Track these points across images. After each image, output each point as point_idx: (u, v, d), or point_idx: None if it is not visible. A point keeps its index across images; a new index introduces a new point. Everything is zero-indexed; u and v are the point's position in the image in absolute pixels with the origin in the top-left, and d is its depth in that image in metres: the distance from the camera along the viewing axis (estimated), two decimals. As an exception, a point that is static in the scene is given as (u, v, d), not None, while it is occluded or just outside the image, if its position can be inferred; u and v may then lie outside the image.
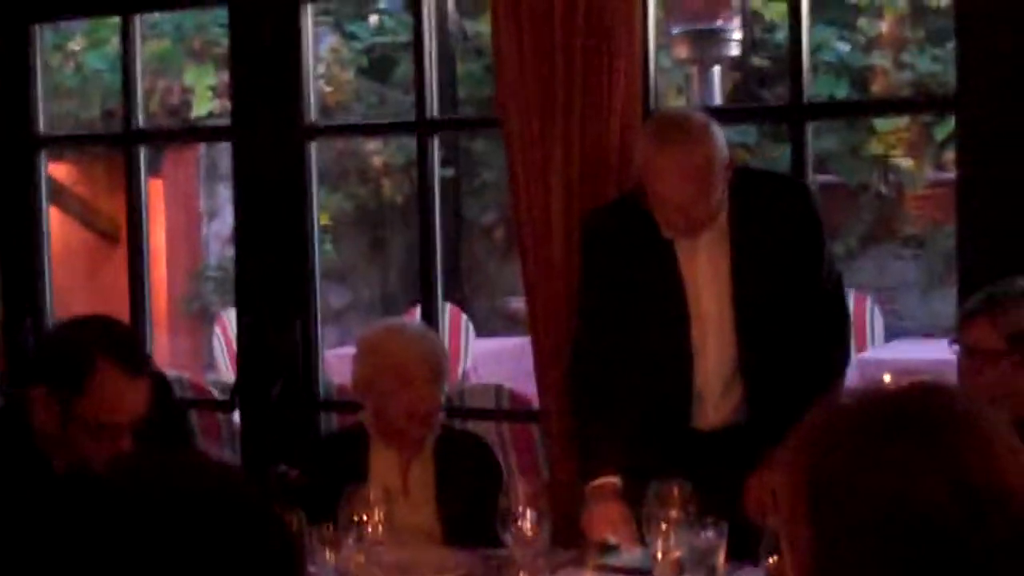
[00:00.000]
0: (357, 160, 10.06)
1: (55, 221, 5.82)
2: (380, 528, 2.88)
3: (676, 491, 2.81)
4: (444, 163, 5.88)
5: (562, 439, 3.83)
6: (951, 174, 7.85)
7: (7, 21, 4.90)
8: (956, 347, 3.11)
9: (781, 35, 8.85)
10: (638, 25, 3.82)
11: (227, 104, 5.02)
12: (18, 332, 4.83)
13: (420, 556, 3.05)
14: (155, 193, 8.55)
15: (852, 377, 3.49)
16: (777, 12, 9.01)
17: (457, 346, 8.07)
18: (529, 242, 3.93)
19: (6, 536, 1.21)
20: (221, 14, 6.59)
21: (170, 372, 6.43)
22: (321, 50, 9.19)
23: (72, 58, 9.57)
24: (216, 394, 6.17)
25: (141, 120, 4.87)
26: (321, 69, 9.18)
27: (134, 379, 2.68)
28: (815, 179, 4.08)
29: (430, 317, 4.33)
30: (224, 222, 9.58)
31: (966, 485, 1.28)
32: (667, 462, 3.07)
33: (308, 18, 4.45)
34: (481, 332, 8.79)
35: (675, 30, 8.00)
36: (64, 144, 6.96)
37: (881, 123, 9.33)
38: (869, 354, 7.73)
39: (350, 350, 3.59)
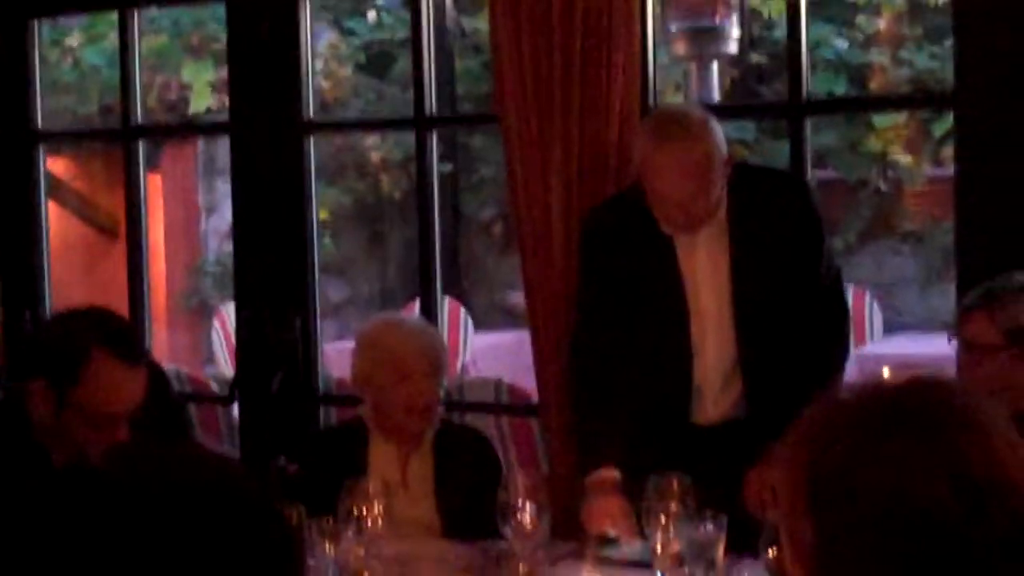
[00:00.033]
0: (355, 155, 10.05)
1: (53, 216, 5.82)
2: (379, 521, 2.88)
3: (675, 485, 2.81)
4: (442, 159, 5.88)
5: (561, 433, 3.84)
6: (949, 170, 7.85)
7: (5, 16, 4.90)
8: (955, 341, 3.12)
9: (779, 32, 8.85)
10: (636, 22, 3.83)
11: (225, 100, 5.03)
12: (17, 327, 4.83)
13: (419, 549, 3.06)
14: (153, 188, 8.55)
15: (851, 372, 3.49)
16: (775, 9, 9.00)
17: (456, 340, 8.08)
18: (528, 237, 3.93)
19: (4, 530, 1.21)
20: (219, 9, 6.59)
21: (169, 366, 6.44)
22: (319, 46, 9.19)
23: (70, 53, 9.55)
24: (215, 388, 6.17)
25: (139, 115, 4.87)
26: (319, 65, 9.17)
27: (130, 368, 2.68)
28: (814, 175, 4.08)
29: (429, 311, 4.34)
30: (222, 217, 9.58)
31: (966, 479, 1.29)
32: (666, 457, 3.08)
33: (306, 14, 4.46)
34: (480, 326, 8.79)
35: (673, 27, 7.99)
36: (62, 139, 6.96)
37: (879, 119, 9.33)
38: (868, 349, 7.74)
39: (349, 344, 3.60)
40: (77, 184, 9.40)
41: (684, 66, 8.62)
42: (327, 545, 2.79)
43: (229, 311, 7.71)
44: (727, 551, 2.75)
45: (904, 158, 9.52)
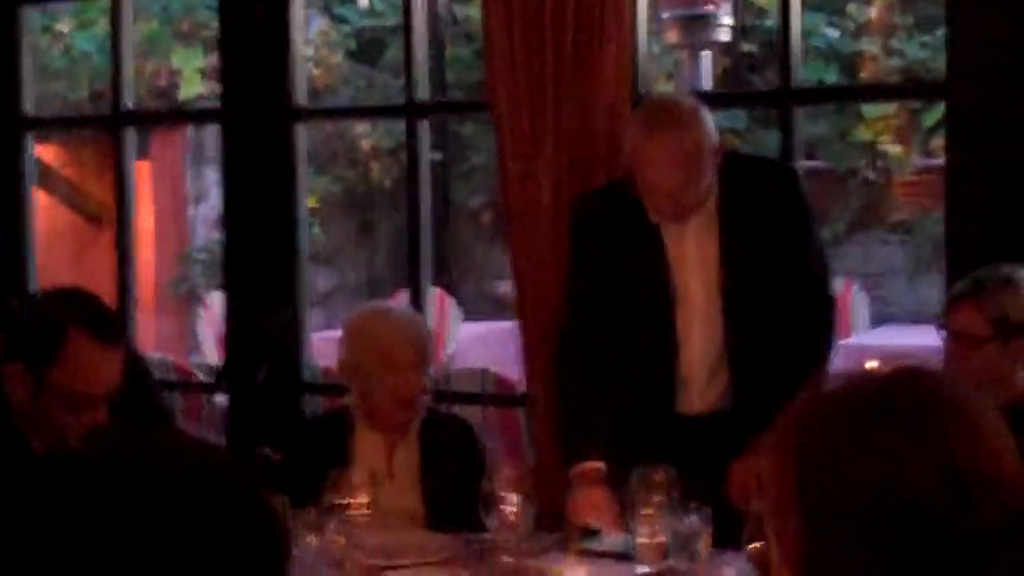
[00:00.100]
0: (345, 143, 10.04)
1: (42, 203, 5.81)
2: (364, 511, 2.88)
3: (660, 476, 2.81)
4: (433, 147, 5.87)
5: (547, 424, 3.83)
6: (939, 160, 7.87)
7: (-6, 1, 4.88)
8: (943, 332, 3.12)
9: (771, 20, 8.85)
10: (628, 10, 3.82)
11: (215, 86, 5.02)
12: (4, 314, 4.81)
13: (404, 539, 3.05)
14: (142, 175, 8.52)
15: (838, 363, 3.49)
16: (766, -3, 9.01)
17: (444, 330, 8.07)
18: (517, 227, 3.92)
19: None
20: (210, -4, 6.58)
21: (156, 354, 6.44)
22: (310, 33, 9.16)
23: (60, 39, 9.53)
24: (201, 377, 6.16)
25: (130, 102, 4.86)
26: (310, 52, 9.15)
27: (106, 348, 2.68)
28: (803, 164, 4.08)
29: (417, 300, 4.33)
30: (211, 205, 9.56)
31: (953, 470, 1.28)
32: (652, 448, 3.07)
33: (298, 0, 4.44)
34: (468, 316, 8.78)
35: (665, 15, 7.99)
36: (51, 126, 6.94)
37: (869, 109, 9.34)
38: (855, 340, 7.74)
39: (336, 333, 3.59)
40: (66, 171, 9.38)
41: (675, 54, 8.62)
42: (311, 535, 2.79)
43: (215, 300, 7.70)
44: (711, 543, 2.75)
45: (894, 148, 9.53)
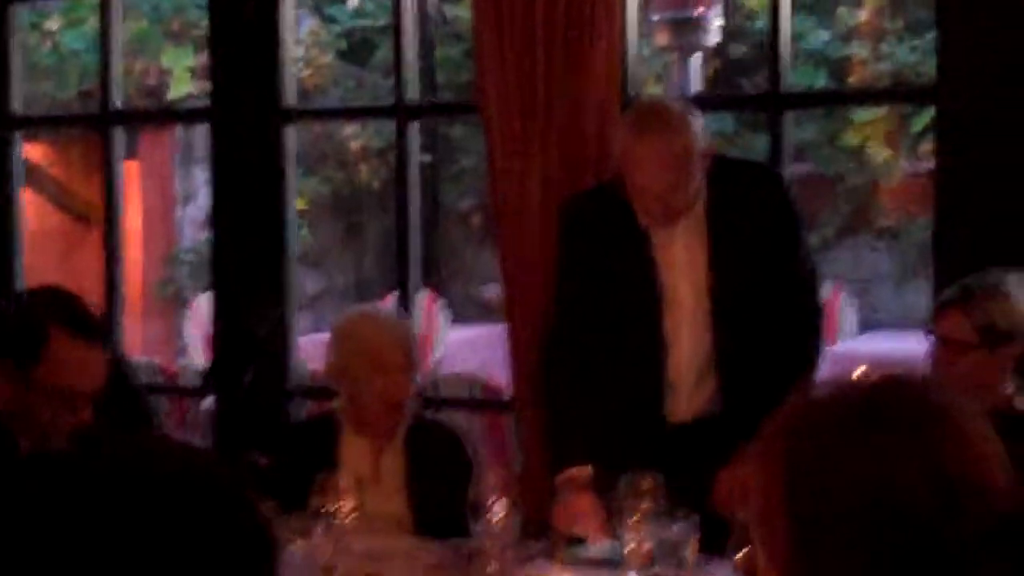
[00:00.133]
0: (334, 144, 10.03)
1: (29, 203, 5.79)
2: (351, 517, 2.87)
3: (647, 483, 2.80)
4: (422, 148, 5.86)
5: (535, 429, 3.83)
6: (927, 165, 7.88)
7: (-18, 0, 4.86)
8: (930, 338, 3.13)
9: (760, 24, 8.86)
10: (618, 12, 3.82)
11: (204, 86, 5.01)
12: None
13: (390, 545, 3.05)
14: (130, 175, 8.50)
15: (825, 369, 3.49)
16: (756, 1, 9.01)
17: (432, 333, 8.06)
18: (506, 229, 3.92)
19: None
20: (199, -5, 6.56)
21: (142, 357, 6.42)
22: (300, 33, 9.15)
23: (49, 37, 9.51)
24: (188, 380, 6.15)
25: (119, 101, 4.84)
26: (300, 52, 9.14)
27: (89, 345, 2.69)
28: (791, 169, 4.08)
29: (406, 303, 4.32)
30: (199, 206, 9.54)
31: (942, 475, 1.29)
32: (639, 453, 3.07)
33: (287, 0, 4.43)
34: (456, 319, 8.78)
35: (655, 18, 8.00)
36: (39, 125, 6.91)
37: (858, 114, 9.36)
38: (842, 346, 7.75)
39: (324, 336, 3.58)
40: (53, 170, 9.37)
41: (665, 57, 8.62)
42: (298, 540, 2.78)
43: (202, 302, 7.68)
44: (698, 551, 2.74)
45: (882, 153, 9.55)
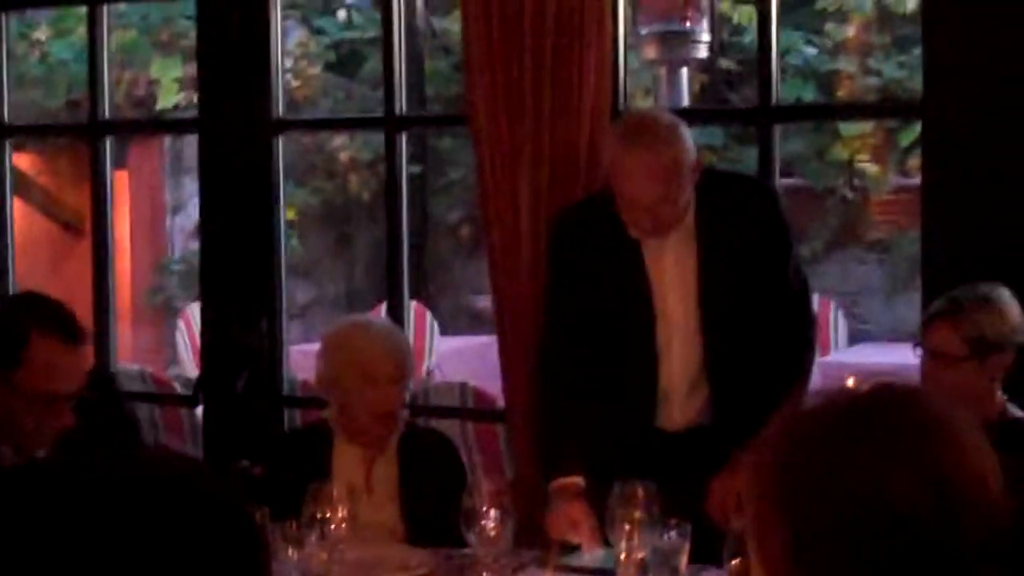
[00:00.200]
0: (323, 155, 10.02)
1: (18, 212, 5.77)
2: (343, 526, 2.87)
3: (640, 492, 2.81)
4: (411, 160, 5.87)
5: (527, 438, 3.83)
6: (915, 179, 7.91)
7: (-28, 9, 4.86)
8: (920, 350, 3.14)
9: (748, 38, 8.88)
10: (608, 25, 3.83)
11: (193, 97, 5.01)
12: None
13: (383, 554, 3.04)
14: (119, 185, 8.49)
15: (815, 381, 3.50)
16: (745, 15, 9.04)
17: (422, 344, 8.06)
18: (497, 240, 3.93)
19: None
20: (188, 5, 6.55)
21: (133, 366, 6.40)
22: (289, 44, 9.15)
23: (37, 47, 9.49)
24: (179, 389, 6.14)
25: (107, 111, 4.84)
26: (288, 63, 9.14)
27: (70, 347, 2.70)
28: (780, 182, 4.09)
29: (396, 314, 4.32)
30: (188, 216, 9.53)
31: (937, 485, 1.29)
32: (631, 463, 3.07)
33: (276, 12, 4.43)
34: (446, 330, 8.78)
35: (644, 31, 8.01)
36: (28, 134, 6.90)
37: (847, 128, 9.38)
38: (832, 358, 7.76)
39: (314, 346, 3.58)
40: (42, 180, 9.34)
41: (654, 70, 8.64)
42: (290, 549, 2.78)
43: (194, 311, 7.67)
44: (691, 560, 2.75)
45: (871, 167, 9.57)
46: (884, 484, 1.29)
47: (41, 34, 9.44)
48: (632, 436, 3.28)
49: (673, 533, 2.72)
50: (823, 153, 9.61)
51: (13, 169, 5.18)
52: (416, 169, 8.98)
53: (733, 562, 2.59)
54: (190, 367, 8.16)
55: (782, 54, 4.52)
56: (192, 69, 6.94)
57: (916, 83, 4.00)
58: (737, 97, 9.46)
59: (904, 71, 9.23)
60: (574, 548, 3.05)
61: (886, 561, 1.29)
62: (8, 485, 1.17)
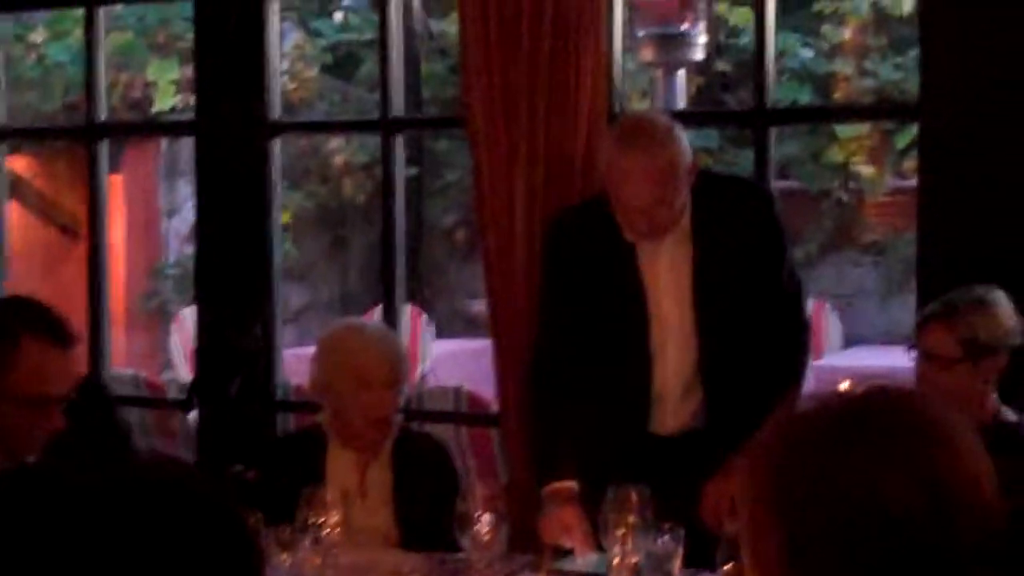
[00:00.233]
0: (318, 158, 10.02)
1: (14, 215, 5.77)
2: (337, 530, 2.86)
3: (634, 496, 2.80)
4: (407, 163, 5.86)
5: (521, 442, 3.83)
6: (911, 182, 7.90)
7: (-33, 12, 4.85)
8: (914, 352, 3.14)
9: (745, 40, 8.88)
10: (604, 27, 3.83)
11: (189, 99, 5.00)
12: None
13: (377, 559, 3.04)
14: (115, 188, 8.48)
15: (809, 384, 3.50)
16: (741, 17, 9.04)
17: (416, 348, 8.06)
18: (492, 244, 3.92)
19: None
20: (184, 7, 6.55)
21: (127, 370, 6.39)
22: (285, 46, 9.15)
23: (34, 49, 9.48)
24: (173, 393, 6.13)
25: (104, 113, 4.83)
26: (285, 65, 9.13)
27: (61, 350, 2.69)
28: (776, 185, 4.10)
29: (390, 318, 4.32)
30: (184, 219, 9.52)
31: (933, 487, 1.29)
32: (625, 466, 3.07)
33: (273, 14, 4.43)
34: (440, 334, 8.77)
35: (640, 33, 8.02)
36: (24, 137, 6.89)
37: (842, 130, 9.38)
38: (827, 361, 7.76)
39: (308, 350, 3.57)
40: (38, 183, 9.33)
41: (650, 72, 8.64)
42: (284, 553, 2.77)
43: (188, 315, 7.67)
44: (684, 564, 2.74)
45: (866, 169, 9.57)
46: (878, 487, 1.29)
47: (37, 36, 9.44)
48: (626, 440, 3.28)
49: (667, 537, 2.72)
50: (819, 155, 9.61)
51: (9, 172, 5.17)
52: (412, 172, 8.98)
53: (727, 566, 2.58)
54: (184, 371, 8.15)
55: (778, 56, 4.52)
56: (188, 71, 6.95)
57: (912, 85, 4.00)
58: (733, 99, 9.47)
59: (900, 73, 9.23)
60: (567, 552, 3.05)
61: (881, 564, 1.29)
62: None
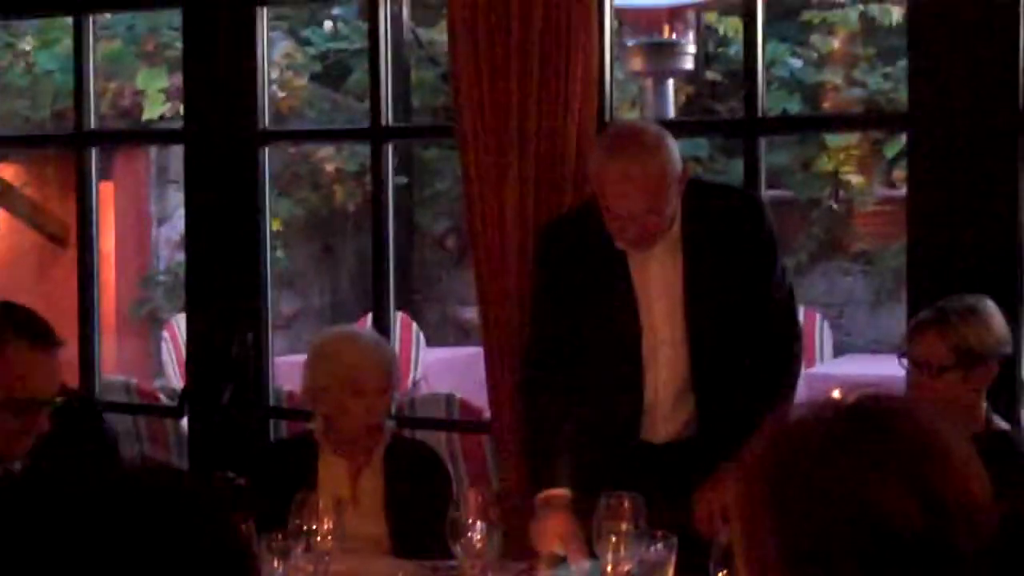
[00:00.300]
0: (309, 166, 10.01)
1: (3, 223, 5.76)
2: (329, 538, 2.86)
3: (626, 504, 2.80)
4: (397, 171, 5.87)
5: (512, 450, 3.83)
6: (900, 191, 7.93)
7: (-43, 20, 4.85)
8: (905, 360, 3.15)
9: (734, 49, 8.90)
10: (594, 37, 3.83)
11: (178, 107, 5.00)
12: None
13: (369, 566, 3.04)
14: (105, 196, 8.47)
15: (801, 393, 3.50)
16: (731, 27, 9.06)
17: (408, 355, 8.05)
18: (483, 252, 3.92)
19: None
20: (173, 16, 6.54)
21: (118, 377, 6.38)
22: (275, 55, 9.14)
23: (23, 57, 9.47)
24: (164, 400, 6.12)
25: (92, 121, 4.83)
26: (275, 74, 9.12)
27: (44, 352, 2.70)
28: (766, 194, 4.10)
29: (381, 326, 4.32)
30: (174, 227, 9.50)
31: (928, 495, 1.30)
32: (618, 474, 3.07)
33: (263, 22, 4.43)
34: (431, 342, 8.77)
35: (630, 43, 8.03)
36: (13, 145, 6.88)
37: (832, 139, 9.40)
38: (817, 370, 7.77)
39: (300, 357, 3.57)
40: (28, 190, 9.31)
41: (640, 82, 8.66)
42: (276, 561, 2.77)
43: (179, 323, 7.65)
44: (677, 572, 2.74)
45: (856, 178, 9.59)
46: (872, 495, 1.29)
47: (26, 44, 9.42)
48: (618, 448, 3.28)
49: (659, 545, 2.72)
50: (808, 165, 9.62)
51: (-2, 180, 5.17)
52: (402, 180, 8.98)
53: (720, 575, 2.58)
54: (175, 379, 8.14)
55: (768, 66, 4.53)
56: (178, 80, 6.94)
57: (901, 95, 4.02)
58: (723, 109, 9.48)
59: (889, 83, 9.25)
60: (560, 560, 3.05)
61: (875, 571, 1.29)
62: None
